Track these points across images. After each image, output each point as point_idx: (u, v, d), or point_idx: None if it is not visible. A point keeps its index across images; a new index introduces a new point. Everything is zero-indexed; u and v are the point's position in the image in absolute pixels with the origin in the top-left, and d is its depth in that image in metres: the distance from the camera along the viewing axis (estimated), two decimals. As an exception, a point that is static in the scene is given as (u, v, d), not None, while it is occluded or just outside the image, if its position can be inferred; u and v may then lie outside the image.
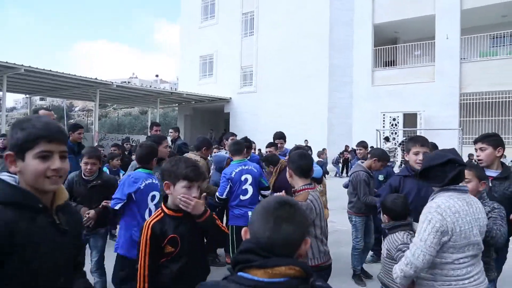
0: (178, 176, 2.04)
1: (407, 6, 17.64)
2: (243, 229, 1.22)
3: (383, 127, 17.70)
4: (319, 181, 4.43)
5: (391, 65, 19.05)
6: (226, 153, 5.61)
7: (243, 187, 4.13)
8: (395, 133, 17.52)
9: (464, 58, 16.84)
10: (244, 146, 4.64)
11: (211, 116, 26.71)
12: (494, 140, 3.03)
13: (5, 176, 1.33)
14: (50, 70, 15.38)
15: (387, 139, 16.14)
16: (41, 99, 54.50)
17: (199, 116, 26.43)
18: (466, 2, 16.45)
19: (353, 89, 19.21)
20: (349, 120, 19.12)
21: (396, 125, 17.64)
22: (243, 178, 4.16)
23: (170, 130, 8.44)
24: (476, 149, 3.13)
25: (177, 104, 26.72)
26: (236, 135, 6.27)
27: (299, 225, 1.17)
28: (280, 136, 5.59)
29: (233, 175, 4.18)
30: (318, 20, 19.36)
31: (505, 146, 3.18)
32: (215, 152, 6.49)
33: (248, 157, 4.89)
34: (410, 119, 17.55)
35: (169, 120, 42.61)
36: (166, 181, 2.07)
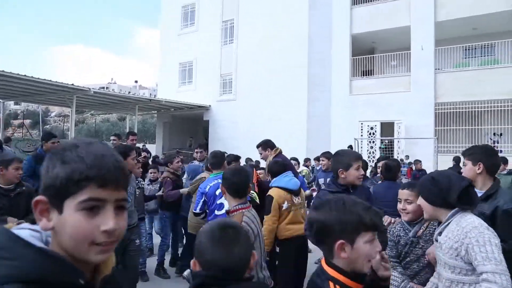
0: (358, 228, 1.33)
1: (383, 17, 18.03)
2: (192, 262, 1.23)
3: (361, 135, 17.93)
4: (296, 193, 4.19)
5: (368, 75, 19.37)
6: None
7: (218, 202, 3.97)
8: (373, 141, 17.77)
9: (438, 69, 17.27)
10: (224, 159, 4.49)
11: (191, 124, 26.51)
12: (472, 154, 2.63)
13: (26, 232, 0.84)
14: (25, 75, 14.97)
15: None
16: (16, 104, 53.04)
17: (178, 124, 26.19)
18: (440, 14, 16.91)
19: (331, 98, 19.41)
20: (327, 128, 19.26)
21: (373, 133, 17.90)
22: (217, 192, 3.98)
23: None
24: None
25: (156, 111, 26.43)
26: (203, 145, 6.39)
27: (246, 243, 1.24)
28: (259, 145, 5.30)
29: (207, 189, 4.07)
30: (297, 29, 19.54)
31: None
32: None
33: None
34: (387, 128, 17.84)
35: (148, 127, 42.17)
36: (341, 240, 1.32)
